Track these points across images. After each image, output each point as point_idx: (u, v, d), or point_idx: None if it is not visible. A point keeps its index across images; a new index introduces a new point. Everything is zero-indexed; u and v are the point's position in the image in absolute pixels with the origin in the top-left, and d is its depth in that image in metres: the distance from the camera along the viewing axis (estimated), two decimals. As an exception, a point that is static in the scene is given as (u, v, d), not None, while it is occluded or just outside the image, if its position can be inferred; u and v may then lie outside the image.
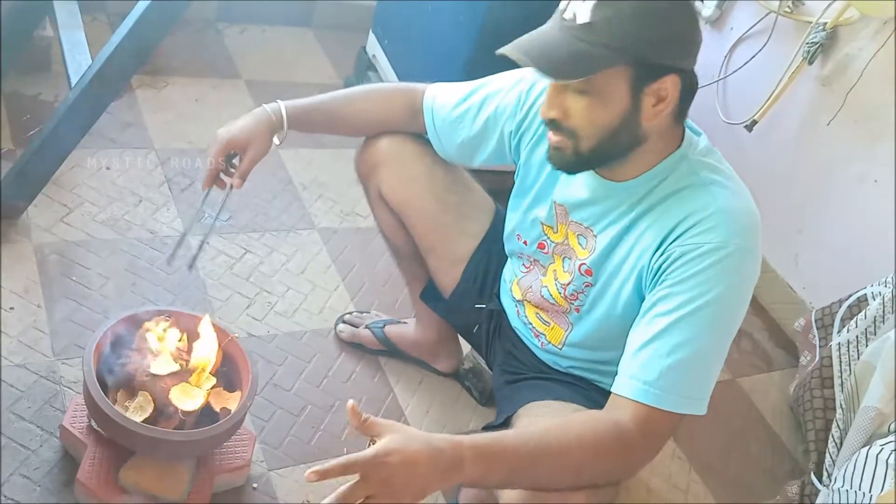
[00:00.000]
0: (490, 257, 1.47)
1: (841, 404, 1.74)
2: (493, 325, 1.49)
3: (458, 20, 1.99)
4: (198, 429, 1.27)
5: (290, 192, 2.11)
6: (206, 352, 1.35)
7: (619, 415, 1.05)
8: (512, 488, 1.05)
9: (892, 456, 1.39)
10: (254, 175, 1.36)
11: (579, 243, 1.25)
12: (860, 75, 1.94)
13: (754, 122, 2.17)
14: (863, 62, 1.94)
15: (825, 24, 1.99)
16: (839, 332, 1.90)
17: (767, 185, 2.21)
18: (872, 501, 1.33)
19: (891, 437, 1.48)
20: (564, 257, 1.28)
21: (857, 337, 1.83)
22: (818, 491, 1.66)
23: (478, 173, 1.53)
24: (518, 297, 1.39)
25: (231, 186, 1.35)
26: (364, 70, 2.45)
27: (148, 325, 1.36)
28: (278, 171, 2.15)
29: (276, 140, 1.37)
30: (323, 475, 0.88)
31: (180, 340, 1.37)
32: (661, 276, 1.11)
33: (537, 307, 1.35)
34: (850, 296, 1.93)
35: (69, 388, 1.48)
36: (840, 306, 1.94)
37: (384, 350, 1.77)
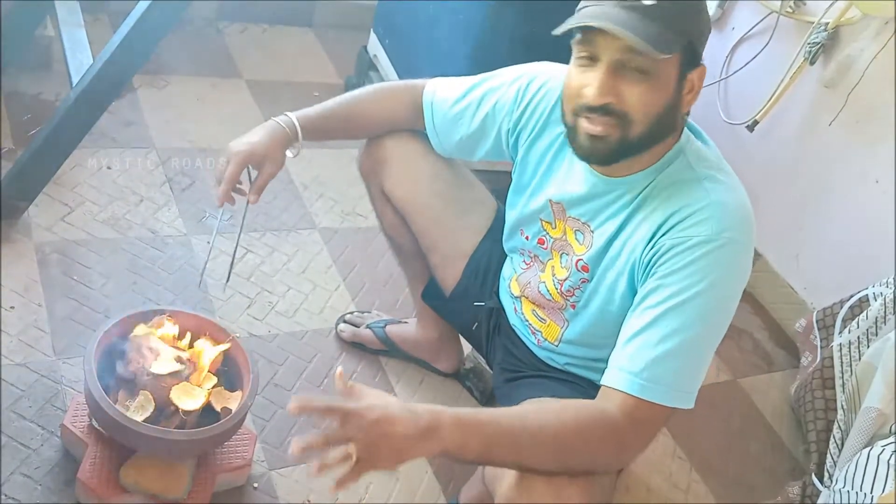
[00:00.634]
0: (491, 254, 1.47)
1: (842, 405, 1.74)
2: (493, 323, 1.49)
3: (459, 19, 1.99)
4: (199, 428, 1.27)
5: (290, 191, 2.11)
6: (207, 351, 1.35)
7: (607, 405, 1.05)
8: (493, 465, 1.05)
9: (894, 457, 1.39)
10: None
11: (576, 239, 1.25)
12: (862, 75, 1.94)
13: (756, 123, 2.16)
14: (864, 62, 1.93)
15: (827, 24, 1.99)
16: (840, 332, 1.90)
17: (769, 185, 2.21)
18: (874, 502, 1.33)
19: (892, 438, 1.48)
20: (562, 253, 1.28)
21: (858, 338, 1.83)
22: (819, 491, 1.65)
23: (477, 174, 1.53)
24: (516, 293, 1.39)
25: (248, 202, 1.33)
26: (365, 70, 2.45)
27: (149, 324, 1.36)
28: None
29: (289, 153, 1.36)
30: (304, 407, 0.91)
31: (181, 340, 1.37)
32: (651, 268, 1.11)
33: (534, 304, 1.36)
34: (851, 296, 1.93)
35: (70, 387, 1.48)
36: (841, 307, 1.94)
37: (385, 350, 1.77)
